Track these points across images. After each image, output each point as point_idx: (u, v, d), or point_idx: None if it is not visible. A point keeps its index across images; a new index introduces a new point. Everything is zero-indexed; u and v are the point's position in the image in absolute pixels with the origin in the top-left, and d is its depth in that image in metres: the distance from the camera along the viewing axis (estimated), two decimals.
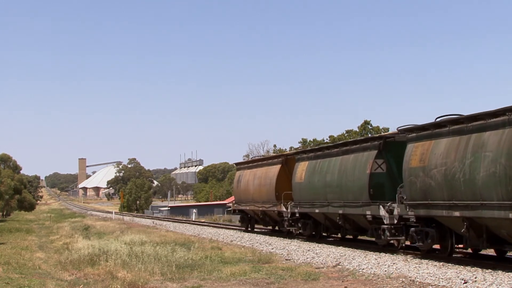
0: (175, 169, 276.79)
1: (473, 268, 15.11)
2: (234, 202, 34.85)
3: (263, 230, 33.80)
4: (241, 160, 66.25)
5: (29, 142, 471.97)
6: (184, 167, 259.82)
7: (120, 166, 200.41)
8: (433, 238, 17.00)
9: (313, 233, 25.39)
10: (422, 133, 17.32)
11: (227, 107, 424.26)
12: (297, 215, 25.73)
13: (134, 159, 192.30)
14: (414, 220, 17.48)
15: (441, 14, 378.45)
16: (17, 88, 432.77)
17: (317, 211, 23.61)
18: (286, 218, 26.80)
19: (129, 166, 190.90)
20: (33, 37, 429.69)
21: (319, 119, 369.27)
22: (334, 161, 22.59)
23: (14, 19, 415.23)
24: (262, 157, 39.17)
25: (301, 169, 25.26)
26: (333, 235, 25.98)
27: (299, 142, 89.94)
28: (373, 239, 21.00)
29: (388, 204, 18.86)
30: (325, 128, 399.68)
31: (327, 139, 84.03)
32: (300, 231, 26.17)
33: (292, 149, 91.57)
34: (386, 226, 18.93)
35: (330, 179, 22.49)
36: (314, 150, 25.29)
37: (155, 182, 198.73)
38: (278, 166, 28.41)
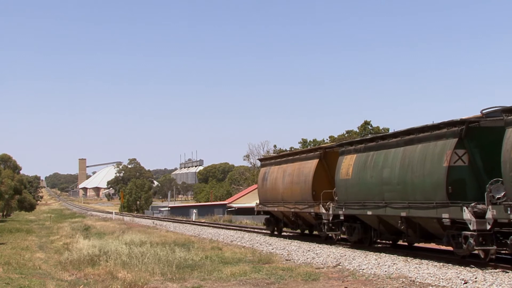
0: (175, 169, 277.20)
1: (473, 269, 15.06)
2: (258, 202, 31.44)
3: (292, 234, 30.26)
4: (240, 159, 65.91)
5: (29, 142, 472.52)
6: (184, 168, 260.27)
7: (120, 167, 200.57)
8: None
9: (360, 239, 21.83)
10: None
11: (227, 107, 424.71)
12: (342, 217, 22.07)
13: (134, 159, 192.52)
14: None
15: (441, 14, 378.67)
16: (17, 88, 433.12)
17: (369, 213, 19.94)
18: (325, 221, 23.39)
19: (129, 166, 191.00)
20: (33, 37, 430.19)
21: (319, 119, 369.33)
22: (394, 153, 18.81)
23: (15, 19, 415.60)
24: (293, 151, 35.11)
25: (347, 163, 21.66)
26: (383, 242, 22.35)
27: (299, 142, 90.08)
28: (450, 248, 17.37)
29: (472, 205, 15.25)
30: (325, 128, 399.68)
31: (327, 139, 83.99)
32: (344, 236, 22.84)
33: (293, 149, 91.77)
34: (470, 233, 15.28)
35: (388, 175, 18.86)
36: (364, 141, 21.27)
37: (155, 183, 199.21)
38: (315, 161, 24.71)
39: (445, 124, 16.75)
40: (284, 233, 30.31)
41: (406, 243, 21.07)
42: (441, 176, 16.23)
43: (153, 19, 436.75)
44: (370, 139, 20.98)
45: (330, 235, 23.83)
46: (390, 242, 21.79)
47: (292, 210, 26.32)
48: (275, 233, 30.26)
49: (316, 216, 24.32)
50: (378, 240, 22.03)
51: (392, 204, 18.63)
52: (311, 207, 24.37)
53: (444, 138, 16.64)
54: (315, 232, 27.58)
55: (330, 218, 22.98)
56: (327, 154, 24.65)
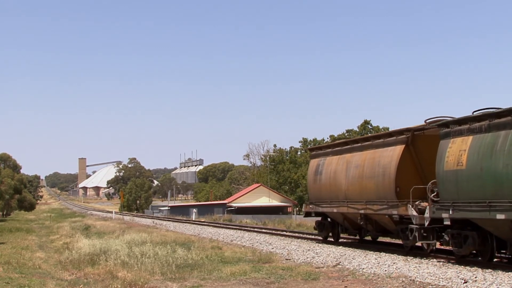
0: (175, 168, 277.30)
1: (473, 268, 15.08)
2: (308, 202, 26.02)
3: (351, 241, 24.67)
4: (240, 158, 65.37)
5: (29, 142, 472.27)
6: (184, 167, 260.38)
7: (120, 166, 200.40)
8: None
9: (474, 251, 16.65)
10: None
11: (227, 107, 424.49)
12: (447, 222, 16.61)
13: (134, 158, 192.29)
14: None
15: (441, 14, 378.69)
16: (17, 88, 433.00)
17: (500, 217, 14.45)
18: (416, 226, 18.04)
19: (129, 165, 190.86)
20: (33, 37, 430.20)
21: (319, 119, 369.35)
22: None
23: (15, 18, 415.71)
24: (361, 136, 28.78)
25: (458, 149, 16.16)
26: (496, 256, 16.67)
27: (299, 142, 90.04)
28: None
29: None
30: (325, 128, 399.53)
31: (327, 138, 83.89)
32: (443, 247, 18.29)
33: (292, 148, 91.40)
34: None
35: None
36: (487, 116, 15.37)
37: (155, 182, 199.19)
38: (400, 148, 19.19)
39: None
40: (342, 240, 25.03)
41: None
42: None
43: (153, 19, 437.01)
44: (497, 113, 15.06)
45: (420, 245, 18.78)
46: (509, 256, 16.44)
47: (362, 211, 21.00)
48: (330, 239, 24.80)
49: (400, 219, 19.18)
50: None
51: None
52: (394, 208, 19.16)
53: None
54: (380, 239, 23.68)
55: (426, 223, 17.68)
56: (417, 138, 19.11)
